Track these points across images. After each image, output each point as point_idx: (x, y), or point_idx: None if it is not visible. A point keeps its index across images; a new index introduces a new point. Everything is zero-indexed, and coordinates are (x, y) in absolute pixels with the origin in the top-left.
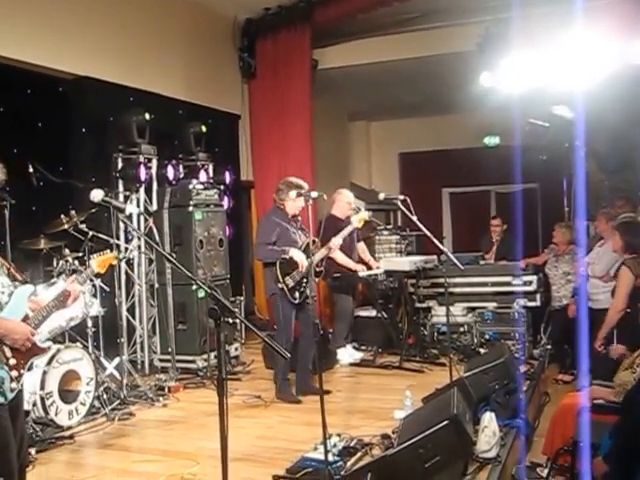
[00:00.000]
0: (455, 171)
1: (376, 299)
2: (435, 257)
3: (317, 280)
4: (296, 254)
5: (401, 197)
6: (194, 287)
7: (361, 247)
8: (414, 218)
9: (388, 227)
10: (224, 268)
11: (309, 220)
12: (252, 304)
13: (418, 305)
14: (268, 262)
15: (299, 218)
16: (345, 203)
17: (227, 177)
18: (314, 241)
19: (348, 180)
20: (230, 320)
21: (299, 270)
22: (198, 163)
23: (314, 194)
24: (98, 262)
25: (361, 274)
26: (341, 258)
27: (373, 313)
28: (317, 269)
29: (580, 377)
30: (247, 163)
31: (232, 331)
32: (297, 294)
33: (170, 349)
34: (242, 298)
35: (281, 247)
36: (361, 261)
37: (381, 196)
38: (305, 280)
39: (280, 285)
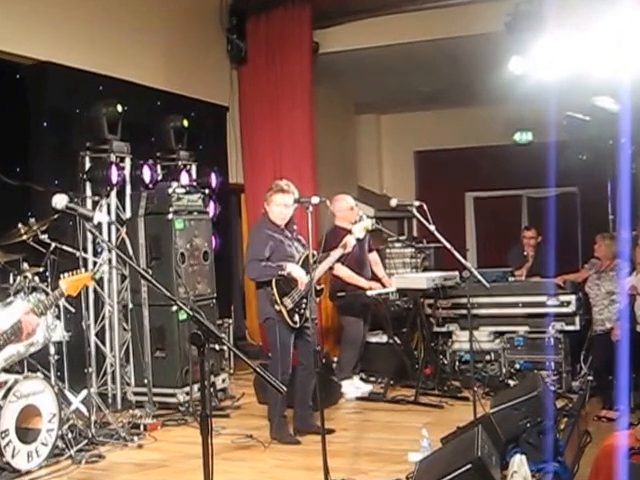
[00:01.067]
0: (480, 173)
1: (387, 322)
2: (456, 273)
3: (318, 300)
4: (295, 270)
5: (416, 203)
6: (174, 308)
7: (373, 259)
8: (432, 228)
9: (401, 238)
10: (210, 286)
11: (309, 231)
12: (242, 328)
13: (436, 329)
14: (262, 281)
15: (295, 227)
16: (346, 210)
17: (213, 179)
18: (313, 255)
19: (355, 183)
20: (216, 347)
21: (298, 289)
22: (179, 163)
23: (315, 200)
24: (69, 283)
25: (369, 293)
26: (344, 273)
27: (384, 339)
28: (318, 287)
29: (623, 414)
30: (236, 163)
31: (219, 360)
32: (297, 317)
33: (146, 380)
34: (231, 321)
35: (276, 263)
36: (374, 277)
37: (393, 202)
38: (305, 300)
39: (278, 307)
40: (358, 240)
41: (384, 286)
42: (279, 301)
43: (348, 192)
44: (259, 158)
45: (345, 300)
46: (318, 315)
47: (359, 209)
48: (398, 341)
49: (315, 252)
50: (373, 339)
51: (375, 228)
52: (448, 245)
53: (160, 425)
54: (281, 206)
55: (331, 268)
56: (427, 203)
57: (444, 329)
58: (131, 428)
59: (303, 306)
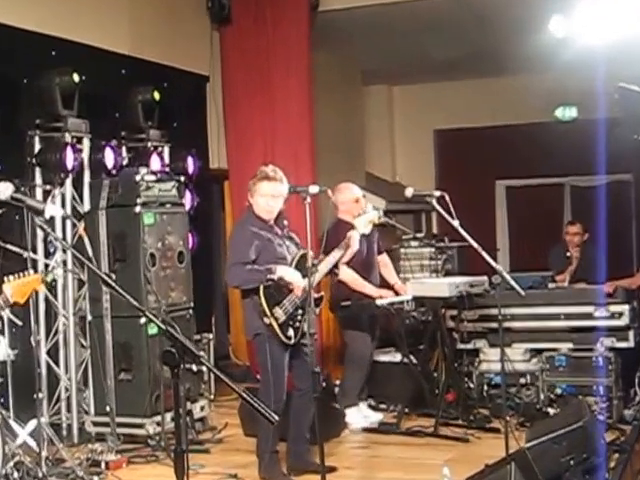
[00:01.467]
0: (514, 156)
1: (401, 338)
2: (485, 278)
3: (317, 311)
4: (287, 273)
5: (437, 193)
6: (143, 320)
7: (383, 261)
8: (455, 223)
9: (418, 236)
10: (186, 293)
11: (307, 228)
12: (226, 344)
13: (461, 346)
14: (248, 289)
15: (285, 223)
16: (351, 201)
17: (190, 164)
18: (314, 258)
19: (362, 169)
20: (194, 367)
21: (292, 297)
22: (149, 144)
23: (313, 189)
24: (15, 288)
25: (379, 302)
26: (349, 277)
27: (396, 358)
28: (316, 295)
29: None
30: (219, 145)
31: (197, 383)
32: (291, 331)
33: (108, 408)
34: (211, 336)
35: (264, 266)
36: (384, 283)
37: (408, 192)
38: (301, 311)
39: (267, 320)
40: (364, 236)
41: (397, 294)
42: (269, 312)
43: (354, 180)
44: (246, 139)
45: (350, 311)
46: (318, 329)
47: (367, 201)
48: (414, 360)
49: (312, 252)
50: (384, 358)
51: (385, 222)
52: (475, 244)
53: (125, 462)
54: (267, 197)
55: (335, 273)
56: (450, 193)
57: (470, 346)
58: (90, 466)
59: (299, 318)
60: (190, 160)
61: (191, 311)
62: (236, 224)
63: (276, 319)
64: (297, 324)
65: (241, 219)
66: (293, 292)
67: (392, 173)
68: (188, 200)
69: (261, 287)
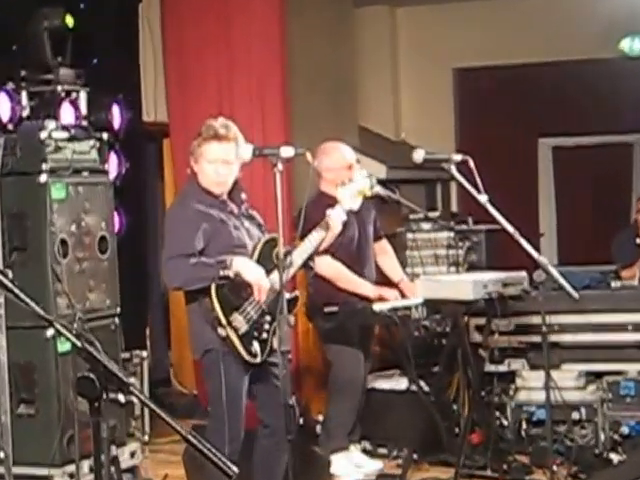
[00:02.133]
0: (564, 105)
1: (408, 357)
2: (524, 275)
3: (292, 320)
4: (247, 268)
5: (457, 157)
6: (50, 333)
7: (382, 249)
8: (482, 199)
9: (431, 215)
10: (110, 295)
11: (277, 205)
12: (165, 365)
13: (490, 368)
14: (194, 290)
15: (243, 197)
16: (340, 168)
17: (116, 116)
18: (286, 245)
19: (354, 123)
20: (121, 398)
21: (255, 299)
22: (59, 89)
23: (287, 151)
24: None
25: (378, 307)
26: (333, 271)
27: (401, 384)
28: (288, 295)
29: None
30: (155, 89)
31: (125, 420)
32: (256, 345)
33: (2, 454)
34: (145, 354)
35: (215, 258)
36: (384, 280)
37: (418, 155)
38: (269, 317)
39: (223, 331)
40: (354, 215)
41: (403, 295)
42: (224, 321)
43: (343, 138)
44: (194, 80)
45: (336, 319)
46: (292, 345)
47: (361, 167)
48: (425, 388)
49: (274, 235)
50: (383, 385)
51: (385, 195)
52: (510, 227)
53: None
54: (216, 163)
55: (310, 267)
56: (475, 157)
57: (503, 368)
58: None
59: (266, 328)
60: (116, 110)
61: (117, 319)
62: (175, 201)
63: (235, 329)
64: (264, 335)
65: (182, 194)
66: (255, 293)
67: (395, 128)
68: (113, 166)
69: (213, 287)
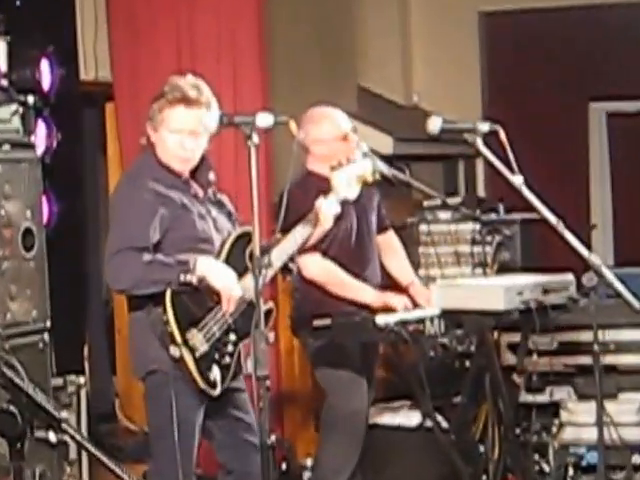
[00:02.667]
0: (620, 61)
1: (421, 383)
2: (570, 278)
3: (271, 336)
4: (215, 272)
5: (484, 127)
6: None
7: (387, 244)
8: (517, 180)
9: (451, 202)
10: (37, 304)
11: (252, 187)
12: (109, 394)
13: (527, 399)
14: (143, 295)
15: (212, 177)
16: (332, 139)
17: (45, 74)
18: (264, 241)
19: (353, 82)
20: (51, 438)
21: (221, 311)
22: None
23: (264, 119)
24: None
25: (381, 320)
26: (325, 274)
27: (413, 419)
28: (265, 306)
29: None
30: (96, 39)
31: (57, 465)
32: (216, 372)
33: None
34: (83, 380)
35: (174, 256)
36: (390, 283)
37: (434, 124)
38: (234, 337)
39: (176, 351)
40: (351, 204)
41: (414, 304)
42: (179, 338)
43: (337, 103)
44: (145, 28)
45: (329, 336)
46: (272, 367)
47: (359, 140)
48: (444, 424)
49: (248, 228)
50: (390, 420)
51: (392, 176)
52: (552, 217)
53: None
54: (182, 134)
55: (288, 269)
56: (507, 127)
57: (543, 398)
58: None
59: (229, 350)
60: (45, 67)
61: (47, 336)
62: (124, 179)
63: (191, 349)
64: (226, 359)
65: (133, 170)
66: (222, 303)
67: (405, 90)
68: (42, 138)
69: (168, 293)
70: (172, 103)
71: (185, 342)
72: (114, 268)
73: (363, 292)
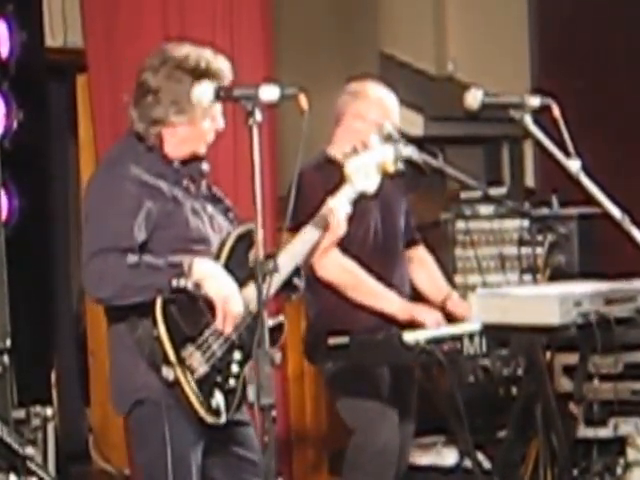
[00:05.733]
0: None
1: (458, 414)
2: (638, 285)
3: (277, 357)
4: (213, 278)
5: (533, 101)
6: None
7: (417, 258)
8: (573, 166)
9: (494, 193)
10: None
11: (254, 177)
12: (82, 429)
13: (587, 433)
14: (127, 305)
15: (205, 167)
16: (376, 118)
17: (4, 40)
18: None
19: (374, 47)
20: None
21: (220, 324)
22: None
23: (269, 92)
24: None
25: (410, 337)
26: (343, 276)
27: (449, 457)
28: (271, 321)
29: None
30: None
31: None
32: (218, 399)
33: None
34: (50, 412)
35: (165, 257)
36: (417, 295)
37: (474, 98)
38: (239, 356)
39: (168, 372)
40: (372, 199)
41: (448, 318)
42: (173, 357)
43: (354, 74)
44: None
45: (349, 356)
46: (278, 394)
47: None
48: (486, 464)
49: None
50: (422, 459)
51: (419, 162)
52: (616, 211)
53: None
54: (216, 117)
55: (294, 288)
56: (562, 102)
57: (606, 433)
58: None
59: (234, 371)
60: (3, 31)
61: (7, 358)
62: (102, 164)
63: (189, 370)
64: (231, 383)
65: (113, 153)
66: (219, 317)
67: (438, 57)
68: (0, 117)
69: (159, 302)
70: (197, 72)
71: (181, 362)
72: (93, 273)
73: (388, 300)
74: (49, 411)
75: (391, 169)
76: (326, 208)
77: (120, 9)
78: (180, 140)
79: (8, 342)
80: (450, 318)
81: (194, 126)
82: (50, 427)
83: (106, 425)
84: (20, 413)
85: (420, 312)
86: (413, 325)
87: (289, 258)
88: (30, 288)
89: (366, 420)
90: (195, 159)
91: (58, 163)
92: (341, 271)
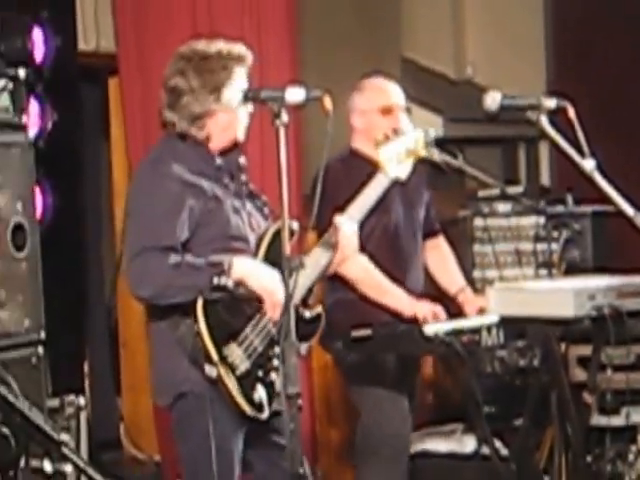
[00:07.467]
0: None
1: (477, 404)
2: None
3: (304, 348)
4: (256, 274)
5: (550, 102)
6: None
7: (436, 248)
8: (588, 165)
9: (511, 191)
10: (30, 312)
11: (282, 174)
12: (114, 418)
13: (600, 422)
14: (170, 304)
15: (242, 161)
16: (372, 110)
17: (38, 45)
18: (292, 232)
19: (395, 51)
20: (46, 466)
21: (264, 321)
22: None
23: (295, 94)
24: None
25: (431, 330)
26: (364, 274)
27: (467, 445)
28: (308, 313)
29: None
30: (97, 4)
31: None
32: (260, 393)
33: None
34: (83, 401)
35: (205, 257)
36: (438, 290)
37: (492, 100)
38: (278, 351)
39: (212, 370)
40: (398, 188)
41: (462, 313)
42: (215, 356)
43: (381, 74)
44: None
45: (367, 348)
46: (304, 384)
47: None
48: (503, 451)
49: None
50: (441, 446)
51: (439, 161)
52: (629, 209)
53: None
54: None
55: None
56: (577, 103)
57: (619, 421)
58: None
59: (274, 365)
60: (38, 36)
61: (41, 349)
62: (145, 164)
63: (231, 368)
64: (272, 376)
65: (155, 152)
66: (263, 311)
67: (457, 61)
68: (35, 118)
69: (200, 302)
70: (237, 59)
71: (223, 359)
72: (135, 272)
73: (399, 300)
74: (82, 400)
75: (422, 154)
76: (334, 228)
77: (150, 13)
78: (222, 128)
79: (43, 334)
80: (460, 311)
81: (231, 111)
82: (83, 416)
83: (136, 413)
84: (54, 402)
85: (421, 307)
86: (416, 321)
87: (317, 267)
88: (64, 283)
89: (377, 405)
90: (235, 148)
91: (91, 163)
92: (358, 268)
